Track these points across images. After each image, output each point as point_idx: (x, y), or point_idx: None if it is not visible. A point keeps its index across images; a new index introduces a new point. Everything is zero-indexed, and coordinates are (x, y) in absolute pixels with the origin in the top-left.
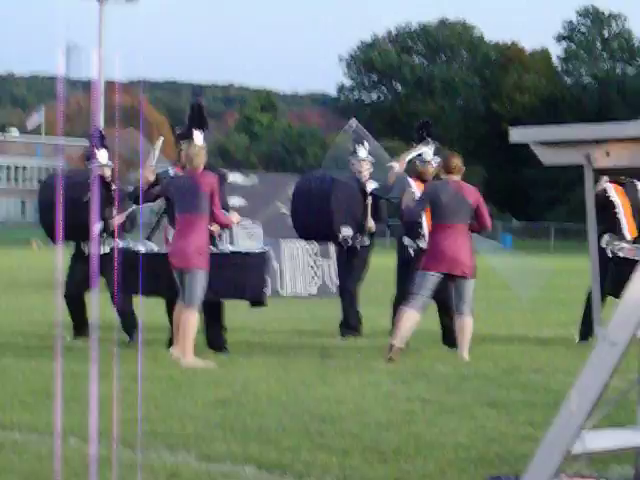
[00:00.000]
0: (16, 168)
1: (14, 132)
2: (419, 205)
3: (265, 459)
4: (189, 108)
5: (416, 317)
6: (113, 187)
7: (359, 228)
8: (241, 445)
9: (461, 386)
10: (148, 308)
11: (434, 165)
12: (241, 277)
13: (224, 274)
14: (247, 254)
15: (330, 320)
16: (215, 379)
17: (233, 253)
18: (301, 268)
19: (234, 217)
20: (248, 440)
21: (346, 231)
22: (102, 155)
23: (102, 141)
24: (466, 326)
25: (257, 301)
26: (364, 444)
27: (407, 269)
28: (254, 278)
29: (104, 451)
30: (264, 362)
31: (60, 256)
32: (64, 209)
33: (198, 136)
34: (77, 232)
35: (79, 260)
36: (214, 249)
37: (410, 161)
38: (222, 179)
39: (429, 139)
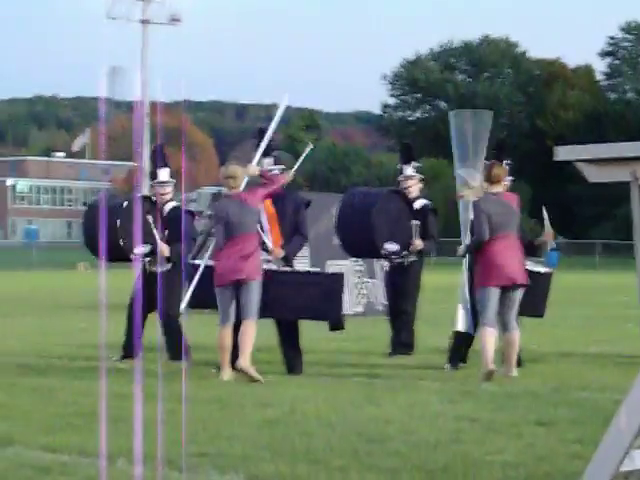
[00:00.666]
0: (62, 190)
1: (59, 154)
2: (481, 224)
3: None
4: (257, 132)
5: (494, 333)
6: (166, 210)
7: (405, 244)
8: (289, 466)
9: (509, 404)
10: (194, 328)
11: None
12: (320, 298)
13: (303, 293)
14: (327, 275)
15: (377, 339)
16: (263, 399)
17: (313, 273)
18: (347, 287)
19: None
20: (296, 461)
21: (390, 246)
22: (163, 173)
23: (164, 159)
24: (515, 341)
25: (336, 325)
26: (412, 464)
27: None
28: (334, 300)
29: (149, 473)
30: (312, 382)
31: (103, 278)
32: (110, 230)
33: (266, 161)
34: (122, 252)
35: (145, 282)
36: (291, 268)
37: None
38: (305, 205)
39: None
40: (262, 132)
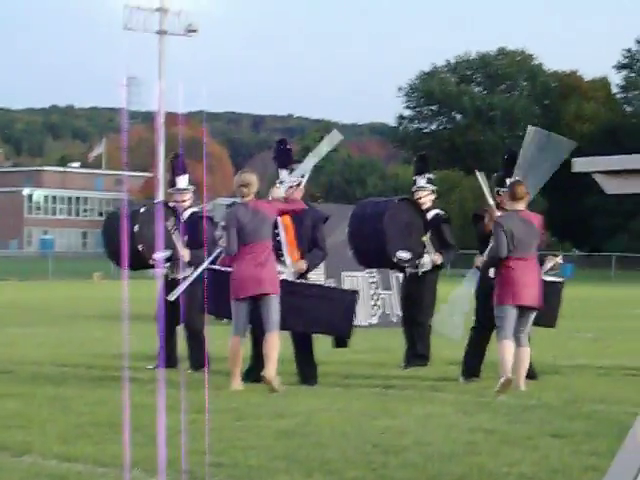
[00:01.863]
0: (77, 199)
1: (75, 164)
2: (501, 242)
3: None
4: (275, 145)
5: (512, 346)
6: (185, 216)
7: (418, 253)
8: (304, 476)
9: (524, 416)
10: (210, 339)
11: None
12: (334, 313)
13: (317, 307)
14: (343, 291)
15: (391, 350)
16: (278, 410)
17: (328, 287)
18: (362, 299)
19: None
20: (311, 471)
21: (403, 255)
22: (182, 180)
23: (183, 167)
24: (526, 356)
25: (343, 341)
26: (427, 475)
27: (489, 300)
28: (347, 317)
29: None
30: (326, 393)
31: (125, 288)
32: (128, 237)
33: (282, 173)
34: (142, 260)
35: (167, 289)
36: (306, 281)
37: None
38: (324, 220)
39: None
40: (280, 143)
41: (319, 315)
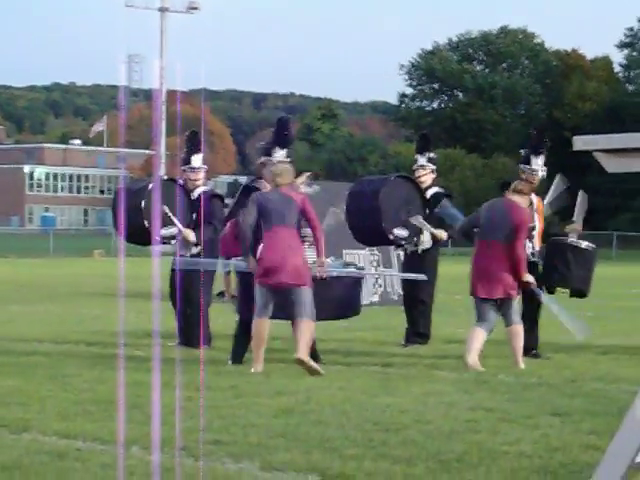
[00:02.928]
0: (78, 177)
1: (76, 142)
2: (467, 220)
3: (328, 468)
4: (276, 122)
5: (482, 333)
6: (196, 195)
7: (416, 230)
8: (304, 454)
9: (524, 395)
10: (213, 317)
11: (540, 176)
12: (341, 300)
13: (323, 297)
14: (346, 282)
15: (392, 328)
16: (278, 388)
17: (334, 278)
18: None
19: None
20: (311, 449)
21: (399, 232)
22: (196, 159)
23: (197, 144)
24: (518, 332)
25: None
26: (427, 453)
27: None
28: (352, 302)
29: (167, 460)
30: (327, 371)
31: (122, 266)
32: (135, 212)
33: (279, 153)
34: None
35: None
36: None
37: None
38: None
39: (542, 151)
40: (280, 121)
41: (325, 304)
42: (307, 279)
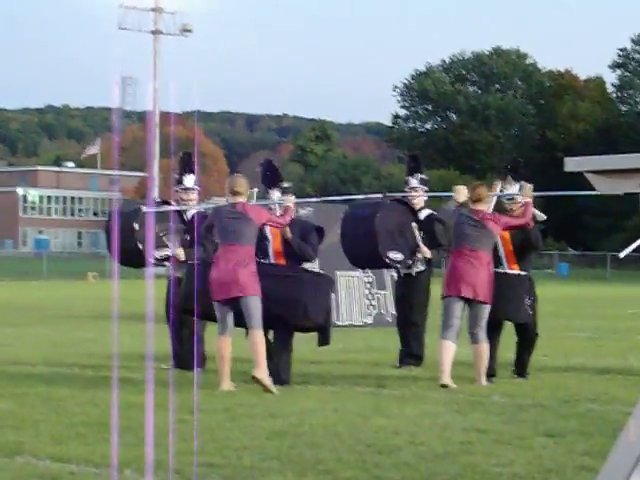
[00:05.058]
0: (72, 200)
1: (69, 164)
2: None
3: None
4: (262, 166)
5: (452, 347)
6: (189, 215)
7: (410, 254)
8: (298, 477)
9: (518, 416)
10: (206, 338)
11: (519, 204)
12: (305, 294)
13: (288, 288)
14: (319, 275)
15: (386, 350)
16: (271, 410)
17: (302, 269)
18: (357, 298)
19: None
20: (305, 471)
21: (394, 255)
22: (189, 179)
23: (190, 165)
24: (483, 353)
25: (325, 338)
26: (421, 475)
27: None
28: (319, 298)
29: None
30: (320, 393)
31: (116, 288)
32: (128, 234)
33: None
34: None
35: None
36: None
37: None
38: (314, 229)
39: (517, 179)
40: (266, 165)
41: (291, 296)
42: (254, 290)
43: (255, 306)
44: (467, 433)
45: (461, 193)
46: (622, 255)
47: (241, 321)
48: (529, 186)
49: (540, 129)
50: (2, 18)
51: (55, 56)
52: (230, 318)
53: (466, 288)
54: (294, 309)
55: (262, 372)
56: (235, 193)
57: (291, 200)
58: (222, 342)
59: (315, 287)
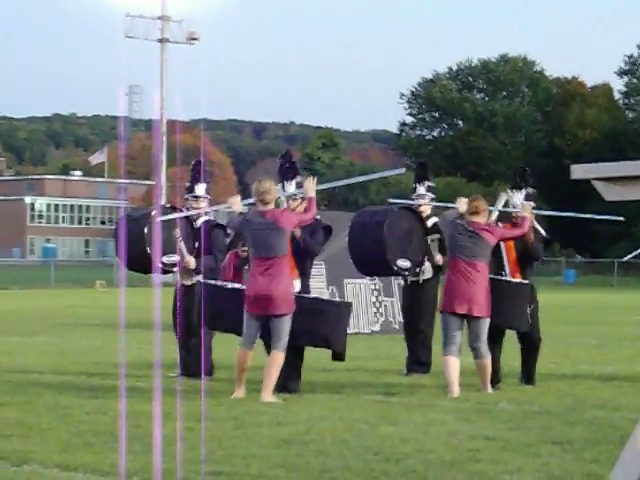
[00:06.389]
0: (79, 208)
1: (77, 172)
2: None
3: None
4: (282, 157)
5: (456, 362)
6: (198, 224)
7: (418, 261)
8: None
9: (525, 423)
10: (215, 347)
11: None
12: (326, 326)
13: (309, 320)
14: (336, 304)
15: (393, 357)
16: (278, 419)
17: (320, 300)
18: (364, 306)
19: None
20: (312, 479)
21: (402, 263)
22: (200, 188)
23: (202, 174)
24: (487, 366)
25: (340, 355)
26: None
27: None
28: (339, 329)
29: None
30: (327, 401)
31: (123, 296)
32: (137, 239)
33: (288, 186)
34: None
35: (183, 296)
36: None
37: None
38: (323, 227)
39: (523, 187)
40: (285, 157)
41: (310, 327)
42: (287, 307)
43: (284, 329)
44: (474, 441)
45: (464, 204)
46: (626, 259)
47: (266, 336)
48: (528, 205)
49: (547, 136)
50: (9, 27)
51: (62, 65)
52: (257, 332)
53: (460, 304)
54: (314, 340)
55: (268, 396)
56: (264, 201)
57: (311, 185)
58: (244, 354)
59: (336, 319)
